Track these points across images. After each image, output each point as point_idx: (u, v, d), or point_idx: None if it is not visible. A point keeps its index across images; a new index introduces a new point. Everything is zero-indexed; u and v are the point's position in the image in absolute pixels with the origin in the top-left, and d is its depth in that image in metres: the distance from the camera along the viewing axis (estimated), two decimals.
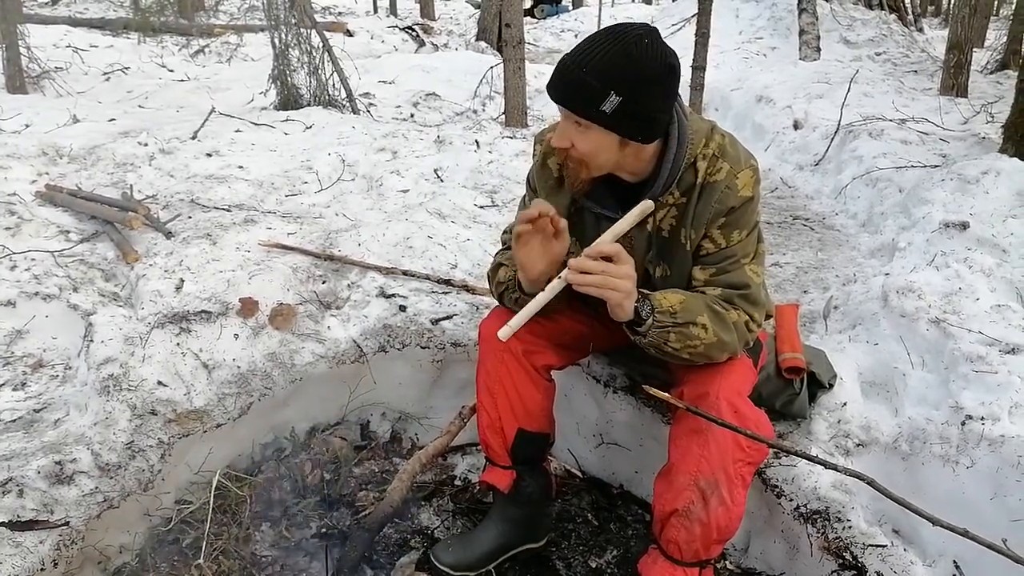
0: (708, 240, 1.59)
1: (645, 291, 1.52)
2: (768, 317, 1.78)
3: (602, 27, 1.50)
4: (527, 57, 6.19)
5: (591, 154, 1.50)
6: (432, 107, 6.19)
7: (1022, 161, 3.31)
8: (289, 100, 5.48)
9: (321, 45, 5.53)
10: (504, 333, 1.49)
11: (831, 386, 2.08)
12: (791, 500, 1.85)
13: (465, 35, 12.81)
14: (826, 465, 1.42)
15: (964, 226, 2.82)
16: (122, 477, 1.88)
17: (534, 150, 1.79)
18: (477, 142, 4.48)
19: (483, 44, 10.85)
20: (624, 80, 1.39)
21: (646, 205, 1.53)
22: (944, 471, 1.77)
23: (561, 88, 1.46)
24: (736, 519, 1.59)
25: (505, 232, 1.91)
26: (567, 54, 1.46)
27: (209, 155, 4.00)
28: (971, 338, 2.06)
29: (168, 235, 2.91)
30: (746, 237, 1.59)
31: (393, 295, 2.65)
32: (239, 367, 2.27)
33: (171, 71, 7.91)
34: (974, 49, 6.70)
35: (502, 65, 5.67)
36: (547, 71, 7.78)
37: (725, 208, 1.55)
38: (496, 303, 1.87)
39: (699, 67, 5.51)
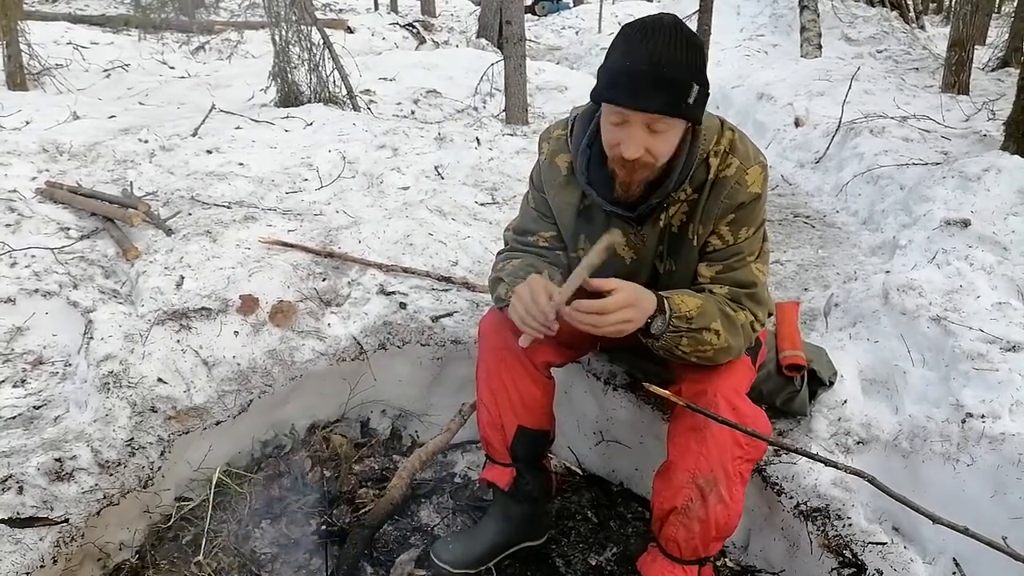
0: (716, 236, 1.58)
1: (663, 294, 1.51)
2: (769, 315, 1.78)
3: (633, 22, 1.43)
4: (528, 54, 6.18)
5: (666, 153, 1.47)
6: (433, 104, 6.19)
7: (1023, 158, 3.31)
8: (290, 97, 5.48)
9: (322, 42, 5.52)
10: (524, 341, 1.52)
11: (831, 384, 2.08)
12: (791, 498, 1.85)
13: (466, 32, 12.80)
14: (827, 463, 1.42)
15: (965, 223, 2.82)
16: (122, 474, 1.88)
17: (540, 148, 1.75)
18: (478, 139, 4.47)
19: (484, 41, 10.86)
20: (698, 68, 1.40)
21: (613, 237, 1.50)
22: (944, 469, 1.76)
23: (649, 95, 1.37)
24: (735, 516, 1.59)
25: (507, 231, 1.90)
26: (629, 62, 1.38)
27: (209, 152, 4.00)
28: (972, 336, 2.06)
29: (168, 232, 2.91)
30: (753, 234, 1.59)
31: (393, 292, 2.64)
32: (239, 364, 2.27)
33: (172, 68, 7.92)
34: (976, 46, 6.68)
35: (503, 62, 5.67)
36: (548, 68, 7.79)
37: (735, 204, 1.54)
38: None
39: None
